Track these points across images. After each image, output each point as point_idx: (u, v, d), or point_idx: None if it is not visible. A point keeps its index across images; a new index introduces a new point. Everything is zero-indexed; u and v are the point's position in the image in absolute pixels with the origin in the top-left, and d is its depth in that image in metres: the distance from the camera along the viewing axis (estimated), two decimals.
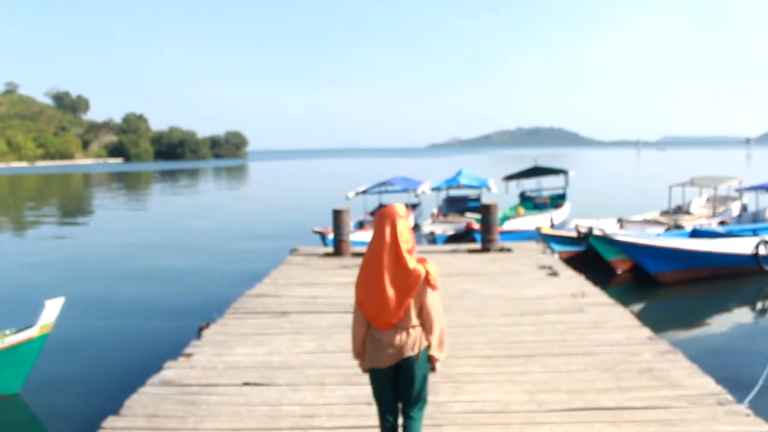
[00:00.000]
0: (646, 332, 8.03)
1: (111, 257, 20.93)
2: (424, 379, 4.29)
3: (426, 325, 4.21)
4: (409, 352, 4.16)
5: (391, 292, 4.11)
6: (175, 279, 17.02)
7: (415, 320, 4.18)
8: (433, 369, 4.34)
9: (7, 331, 8.31)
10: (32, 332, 8.30)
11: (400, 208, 4.32)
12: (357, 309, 4.32)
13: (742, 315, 13.31)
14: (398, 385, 4.29)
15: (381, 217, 4.27)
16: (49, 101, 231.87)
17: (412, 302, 4.15)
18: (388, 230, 4.19)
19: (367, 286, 4.22)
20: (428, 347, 4.24)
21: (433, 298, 4.20)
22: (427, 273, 4.17)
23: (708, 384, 6.23)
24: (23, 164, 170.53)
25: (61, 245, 24.93)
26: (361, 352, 4.35)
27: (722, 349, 10.41)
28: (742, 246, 15.49)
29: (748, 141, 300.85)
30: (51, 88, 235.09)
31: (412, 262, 4.17)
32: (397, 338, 4.15)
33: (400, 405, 4.37)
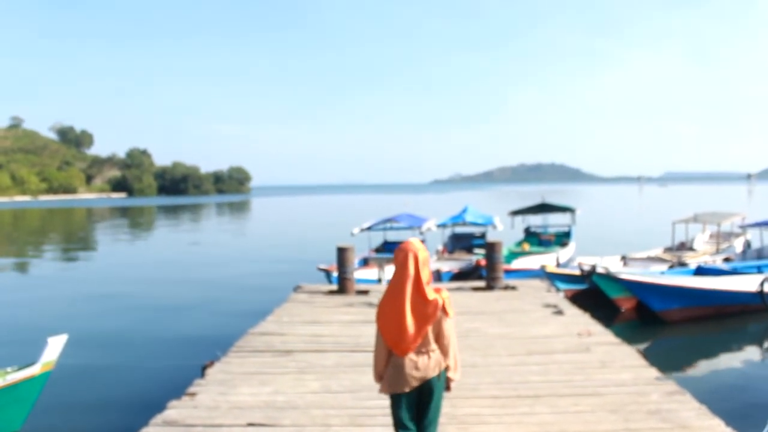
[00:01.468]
0: (654, 372, 7.96)
1: (114, 294, 20.87)
2: (441, 399, 4.57)
3: (443, 349, 4.51)
4: (432, 374, 4.45)
5: (410, 321, 4.40)
6: (178, 316, 16.96)
7: (433, 344, 4.47)
8: (448, 389, 4.64)
9: (9, 369, 8.25)
10: (34, 370, 8.25)
11: (419, 243, 4.61)
12: (378, 335, 4.58)
13: (749, 353, 13.20)
14: (417, 407, 4.52)
15: (404, 251, 4.53)
16: (53, 136, 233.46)
17: (430, 329, 4.44)
18: (411, 263, 4.47)
19: (388, 316, 4.48)
20: (446, 369, 4.55)
21: (448, 324, 4.52)
22: (444, 301, 4.48)
23: (718, 426, 6.16)
24: (26, 198, 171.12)
25: (63, 281, 24.89)
26: (383, 374, 4.59)
27: (730, 388, 10.31)
28: (747, 283, 15.43)
29: (749, 177, 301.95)
30: (55, 123, 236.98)
31: (431, 294, 4.47)
32: (420, 362, 4.43)
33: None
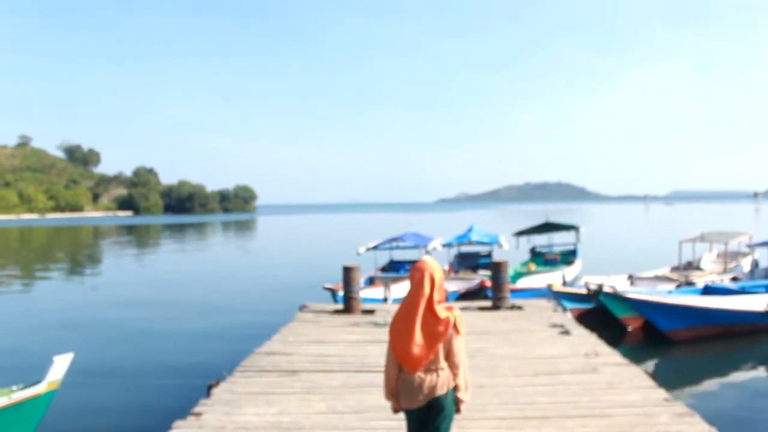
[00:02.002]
0: (662, 393, 7.89)
1: (120, 313, 20.86)
2: (451, 418, 4.59)
3: (453, 368, 4.55)
4: (440, 392, 4.48)
5: (420, 339, 4.46)
6: (183, 335, 16.92)
7: (443, 362, 4.51)
8: (458, 411, 4.65)
9: (15, 387, 8.21)
10: (39, 388, 8.21)
11: (435, 263, 4.67)
12: (390, 351, 4.62)
13: (758, 374, 13.09)
14: (427, 424, 4.55)
15: (420, 270, 4.58)
16: (61, 154, 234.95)
17: (441, 346, 4.49)
18: (427, 283, 4.53)
19: (400, 332, 4.53)
20: (456, 389, 4.56)
21: (459, 342, 4.56)
22: (455, 319, 4.54)
23: None
24: (34, 216, 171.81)
25: (69, 299, 24.88)
26: (394, 391, 4.63)
27: (739, 409, 10.22)
28: (756, 303, 15.33)
29: (756, 195, 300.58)
30: (63, 141, 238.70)
31: (443, 312, 4.53)
32: (428, 379, 4.47)
33: None
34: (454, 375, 4.56)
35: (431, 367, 4.49)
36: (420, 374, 4.48)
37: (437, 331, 4.47)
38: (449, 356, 4.54)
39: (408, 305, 4.56)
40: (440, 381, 4.49)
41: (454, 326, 4.54)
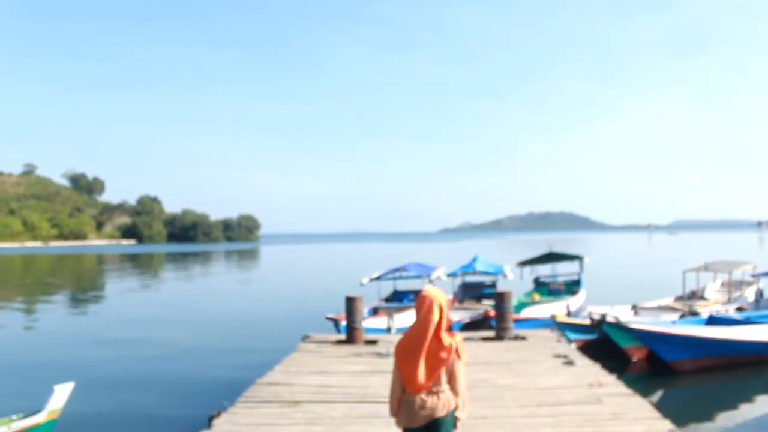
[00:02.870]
0: (667, 425, 7.83)
1: (121, 342, 20.80)
2: None
3: (454, 390, 4.75)
4: (440, 413, 4.68)
5: (424, 364, 4.66)
6: (184, 366, 16.83)
7: (444, 385, 4.72)
8: (454, 427, 4.82)
9: (14, 416, 8.19)
10: (40, 418, 8.18)
11: (438, 291, 4.87)
12: (396, 371, 4.81)
13: (764, 405, 12.95)
14: None
15: (429, 299, 4.76)
16: (65, 182, 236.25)
17: (443, 370, 4.71)
18: (436, 310, 4.72)
19: (406, 355, 4.72)
20: (455, 408, 4.75)
21: (460, 367, 4.77)
22: (457, 345, 4.75)
23: None
24: (37, 244, 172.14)
25: (71, 328, 24.84)
26: (397, 410, 4.83)
27: None
28: (761, 333, 15.24)
29: (759, 224, 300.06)
30: (68, 170, 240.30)
31: (447, 339, 4.73)
32: (429, 401, 4.67)
33: None
34: (454, 396, 4.74)
35: (433, 390, 4.68)
36: (422, 396, 4.67)
37: (440, 357, 4.67)
38: (451, 380, 4.73)
39: (417, 331, 4.72)
40: (440, 403, 4.68)
41: (456, 352, 4.72)
